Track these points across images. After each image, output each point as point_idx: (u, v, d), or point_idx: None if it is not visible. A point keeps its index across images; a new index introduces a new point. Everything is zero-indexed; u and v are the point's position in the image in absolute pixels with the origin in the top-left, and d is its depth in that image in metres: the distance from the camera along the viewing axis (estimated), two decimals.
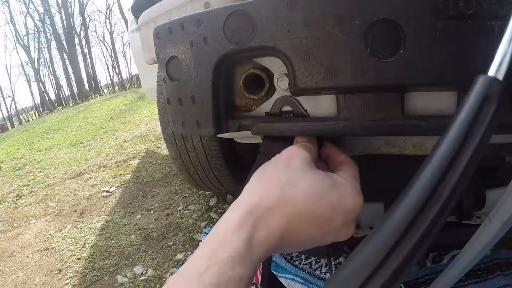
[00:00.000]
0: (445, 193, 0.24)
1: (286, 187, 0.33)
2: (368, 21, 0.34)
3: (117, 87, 23.49)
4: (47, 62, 24.70)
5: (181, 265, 1.14)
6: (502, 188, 0.70)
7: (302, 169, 0.35)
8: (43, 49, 23.94)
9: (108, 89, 23.53)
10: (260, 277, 0.47)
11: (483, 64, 0.27)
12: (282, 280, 0.99)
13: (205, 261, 0.29)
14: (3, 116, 24.99)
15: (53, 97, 24.95)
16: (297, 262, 1.05)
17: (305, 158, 0.37)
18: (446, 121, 0.27)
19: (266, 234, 0.31)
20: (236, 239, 0.30)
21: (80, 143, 4.05)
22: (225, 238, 0.30)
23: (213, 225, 1.39)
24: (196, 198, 1.77)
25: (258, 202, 0.33)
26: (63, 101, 23.21)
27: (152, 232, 1.55)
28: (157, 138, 3.33)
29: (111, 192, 2.18)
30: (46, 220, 1.98)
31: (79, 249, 1.55)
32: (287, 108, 0.44)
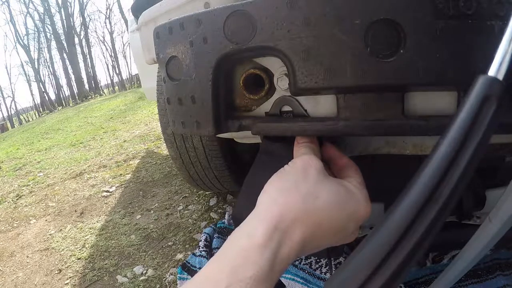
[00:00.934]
0: (445, 193, 0.24)
1: (308, 198, 0.33)
2: (368, 21, 0.34)
3: (117, 87, 23.49)
4: (47, 62, 24.73)
5: (181, 266, 1.14)
6: (502, 188, 0.70)
7: (320, 179, 0.35)
8: (43, 49, 23.97)
9: (108, 89, 23.53)
10: None
11: (483, 64, 0.27)
12: (282, 280, 0.99)
13: (225, 277, 0.27)
14: (3, 116, 25.01)
15: (53, 97, 24.97)
16: (297, 262, 1.05)
17: (320, 167, 0.37)
18: (446, 121, 0.27)
19: (289, 249, 0.31)
20: (260, 257, 0.29)
21: (80, 143, 4.05)
22: (248, 255, 0.29)
23: (214, 225, 1.39)
24: (196, 198, 1.77)
25: (282, 215, 0.32)
26: (63, 101, 23.20)
27: (152, 232, 1.55)
28: (157, 138, 3.33)
29: (111, 192, 2.18)
30: (46, 220, 1.98)
31: (79, 249, 1.55)
32: (287, 108, 0.44)
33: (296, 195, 0.33)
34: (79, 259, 1.47)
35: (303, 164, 0.37)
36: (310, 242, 0.33)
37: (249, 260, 0.29)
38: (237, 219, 0.45)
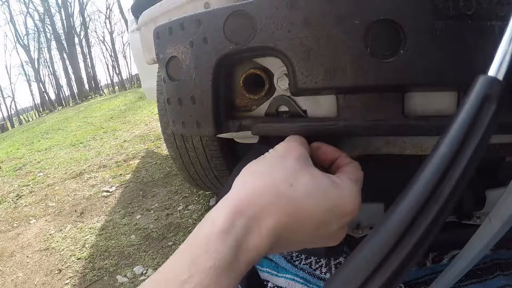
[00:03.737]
0: (445, 193, 0.24)
1: (282, 184, 0.30)
2: (368, 21, 0.34)
3: (117, 87, 23.48)
4: (47, 62, 24.72)
5: None
6: (502, 188, 0.70)
7: (299, 167, 0.32)
8: (43, 49, 23.96)
9: (108, 89, 23.52)
10: None
11: (483, 64, 0.27)
12: (282, 280, 0.99)
13: (187, 268, 0.25)
14: (3, 116, 25.00)
15: (53, 97, 24.97)
16: (297, 262, 1.05)
17: (301, 155, 0.34)
18: (446, 121, 0.27)
19: (258, 238, 0.28)
20: (222, 245, 0.26)
21: (80, 143, 4.05)
22: (209, 242, 0.26)
23: None
24: (196, 198, 1.77)
25: (249, 199, 0.29)
26: (63, 101, 23.20)
27: (152, 232, 1.55)
28: (157, 138, 3.33)
29: (111, 192, 2.18)
30: (46, 220, 1.98)
31: (79, 249, 1.55)
32: (284, 108, 0.44)
33: (268, 180, 0.30)
34: (79, 259, 1.47)
35: (283, 150, 0.35)
36: (285, 235, 0.30)
37: (209, 248, 0.26)
38: None
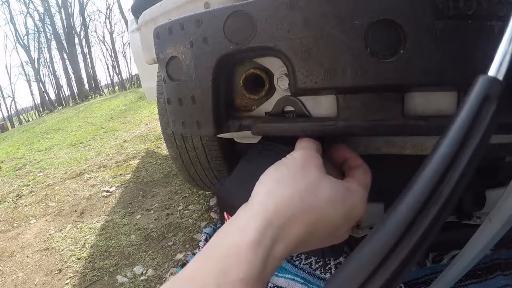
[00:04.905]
0: (445, 193, 0.24)
1: (306, 195, 0.32)
2: (368, 22, 0.34)
3: (117, 87, 23.49)
4: (47, 62, 24.73)
5: (181, 266, 1.14)
6: (502, 188, 0.70)
7: (319, 177, 0.34)
8: (43, 49, 23.97)
9: (108, 89, 23.53)
10: None
11: (483, 64, 0.27)
12: (282, 280, 0.99)
13: (214, 278, 0.25)
14: (3, 116, 25.00)
15: (53, 97, 24.98)
16: (297, 262, 1.05)
17: (320, 165, 0.36)
18: (446, 121, 0.27)
19: (283, 247, 0.29)
20: (253, 256, 0.26)
21: (80, 143, 4.05)
22: (239, 253, 0.26)
23: (214, 225, 1.38)
24: (196, 198, 1.77)
25: (277, 210, 0.30)
26: (63, 101, 23.20)
27: (152, 232, 1.55)
28: (157, 138, 3.33)
29: (111, 192, 2.18)
30: (46, 220, 1.98)
31: (79, 249, 1.55)
32: (289, 108, 0.44)
33: (294, 190, 0.31)
34: (79, 259, 1.47)
35: (303, 159, 0.35)
36: (304, 242, 0.31)
37: (240, 259, 0.26)
38: (225, 203, 0.44)
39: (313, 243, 0.34)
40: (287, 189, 0.32)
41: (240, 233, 0.28)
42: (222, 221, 0.43)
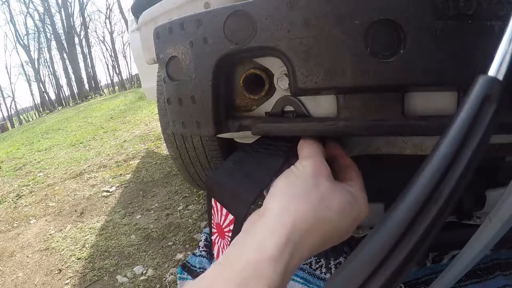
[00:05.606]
0: (445, 193, 0.24)
1: (320, 208, 0.33)
2: (368, 21, 0.34)
3: (117, 87, 23.48)
4: (47, 62, 24.75)
5: (181, 266, 1.14)
6: (502, 188, 0.70)
7: (330, 187, 0.35)
8: (43, 49, 23.98)
9: (108, 89, 23.52)
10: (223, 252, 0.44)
11: (483, 64, 0.27)
12: None
13: None
14: (3, 116, 25.02)
15: (53, 97, 24.99)
16: None
17: (329, 174, 0.37)
18: (446, 121, 0.27)
19: (298, 259, 0.30)
20: (272, 272, 0.27)
21: (80, 143, 4.05)
22: (259, 269, 0.27)
23: None
24: (196, 198, 1.77)
25: (294, 226, 0.31)
26: (63, 101, 23.21)
27: (152, 232, 1.55)
28: (157, 138, 3.33)
29: (111, 192, 2.18)
30: (46, 220, 1.98)
31: (79, 249, 1.55)
32: (289, 108, 0.44)
33: (307, 204, 0.33)
34: (79, 259, 1.47)
35: (313, 170, 0.36)
36: (316, 250, 0.33)
37: (260, 275, 0.27)
38: (215, 191, 0.44)
39: (322, 249, 0.35)
40: (301, 204, 0.33)
41: (258, 249, 0.29)
42: (210, 209, 0.43)
